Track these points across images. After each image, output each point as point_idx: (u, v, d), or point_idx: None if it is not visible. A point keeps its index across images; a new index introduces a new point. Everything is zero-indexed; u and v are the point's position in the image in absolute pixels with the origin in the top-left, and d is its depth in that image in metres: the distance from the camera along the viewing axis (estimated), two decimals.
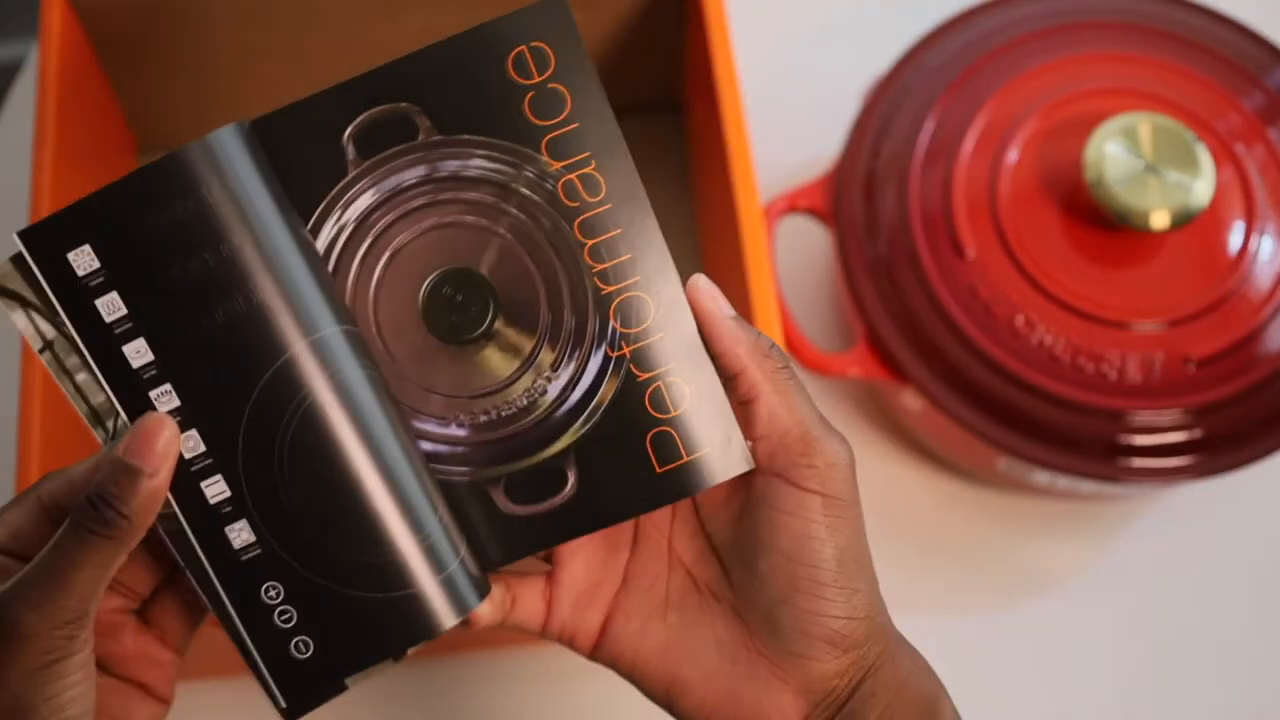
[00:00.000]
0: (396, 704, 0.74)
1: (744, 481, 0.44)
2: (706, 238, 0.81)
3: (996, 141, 0.72)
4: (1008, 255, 0.70)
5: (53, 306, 0.41)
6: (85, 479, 0.41)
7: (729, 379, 0.43)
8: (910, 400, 0.73)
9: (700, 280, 0.43)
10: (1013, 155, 0.72)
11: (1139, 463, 0.69)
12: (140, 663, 0.43)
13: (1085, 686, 0.75)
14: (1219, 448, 0.69)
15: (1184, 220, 0.67)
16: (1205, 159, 0.67)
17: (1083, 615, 0.77)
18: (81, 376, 0.41)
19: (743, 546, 0.44)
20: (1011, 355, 0.69)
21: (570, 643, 0.46)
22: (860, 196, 0.74)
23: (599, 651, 0.46)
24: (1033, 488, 0.74)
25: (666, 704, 0.45)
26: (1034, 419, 0.69)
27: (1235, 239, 0.70)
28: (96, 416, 0.41)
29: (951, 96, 0.74)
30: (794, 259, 0.80)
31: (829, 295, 0.83)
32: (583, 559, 0.46)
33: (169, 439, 0.40)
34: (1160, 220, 0.67)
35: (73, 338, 0.41)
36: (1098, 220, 0.69)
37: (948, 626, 0.76)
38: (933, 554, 0.78)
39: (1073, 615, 0.77)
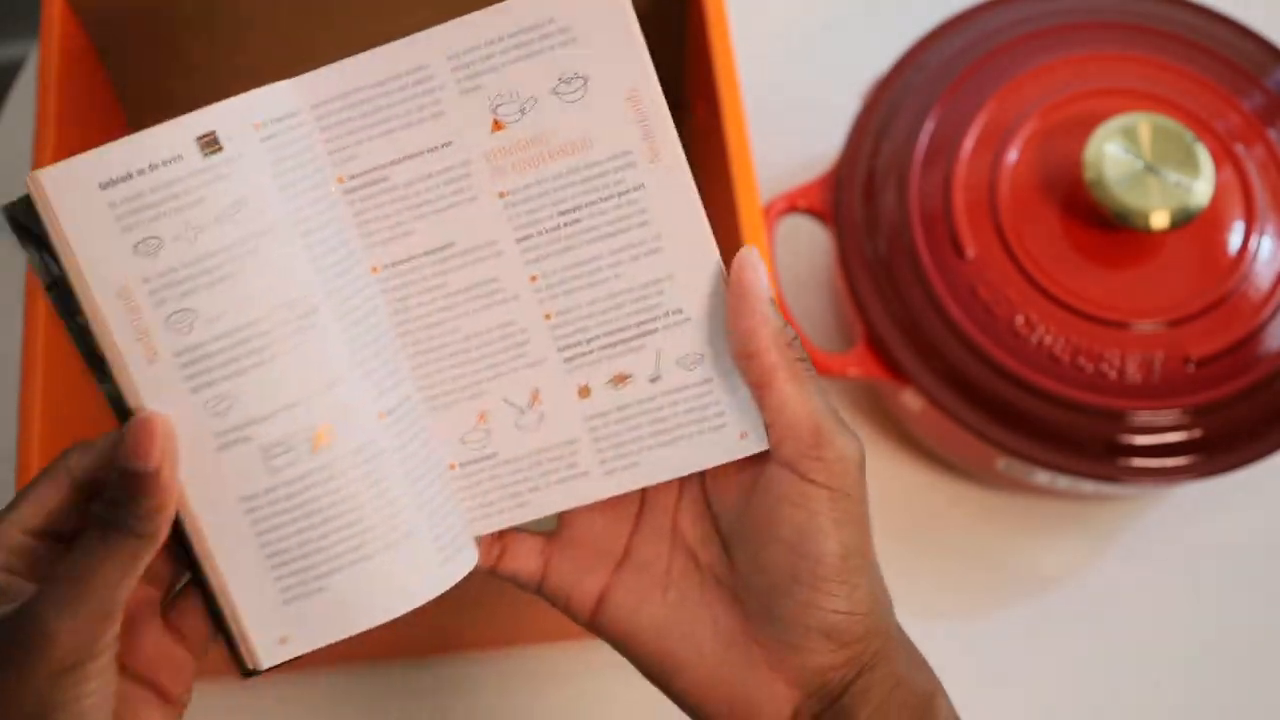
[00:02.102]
0: (390, 703, 0.74)
1: (752, 467, 0.44)
2: None
3: (996, 141, 0.72)
4: (1008, 255, 0.70)
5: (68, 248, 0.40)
6: (109, 453, 0.40)
7: (746, 358, 0.42)
8: (910, 400, 0.73)
9: (753, 254, 0.42)
10: (1013, 155, 0.72)
11: (1139, 463, 0.69)
12: (158, 664, 0.43)
13: (1084, 686, 0.75)
14: (1219, 448, 0.69)
15: (1184, 220, 0.67)
16: (1205, 159, 0.67)
17: (1082, 615, 0.77)
18: (83, 319, 0.41)
19: (747, 532, 0.44)
20: (1011, 355, 0.69)
21: (566, 605, 0.46)
22: (860, 196, 0.74)
23: (594, 621, 0.46)
24: (1033, 488, 0.74)
25: (659, 682, 0.45)
26: (1034, 419, 0.69)
27: (1235, 239, 0.70)
28: (95, 360, 0.41)
29: (951, 96, 0.74)
30: (794, 259, 0.80)
31: (829, 295, 0.83)
32: (585, 525, 0.46)
33: (165, 435, 0.40)
34: (1160, 220, 0.67)
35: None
36: (1098, 220, 0.69)
37: (947, 626, 0.76)
38: (932, 554, 0.78)
39: (1072, 615, 0.77)
